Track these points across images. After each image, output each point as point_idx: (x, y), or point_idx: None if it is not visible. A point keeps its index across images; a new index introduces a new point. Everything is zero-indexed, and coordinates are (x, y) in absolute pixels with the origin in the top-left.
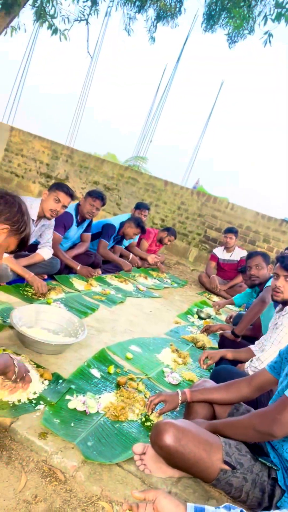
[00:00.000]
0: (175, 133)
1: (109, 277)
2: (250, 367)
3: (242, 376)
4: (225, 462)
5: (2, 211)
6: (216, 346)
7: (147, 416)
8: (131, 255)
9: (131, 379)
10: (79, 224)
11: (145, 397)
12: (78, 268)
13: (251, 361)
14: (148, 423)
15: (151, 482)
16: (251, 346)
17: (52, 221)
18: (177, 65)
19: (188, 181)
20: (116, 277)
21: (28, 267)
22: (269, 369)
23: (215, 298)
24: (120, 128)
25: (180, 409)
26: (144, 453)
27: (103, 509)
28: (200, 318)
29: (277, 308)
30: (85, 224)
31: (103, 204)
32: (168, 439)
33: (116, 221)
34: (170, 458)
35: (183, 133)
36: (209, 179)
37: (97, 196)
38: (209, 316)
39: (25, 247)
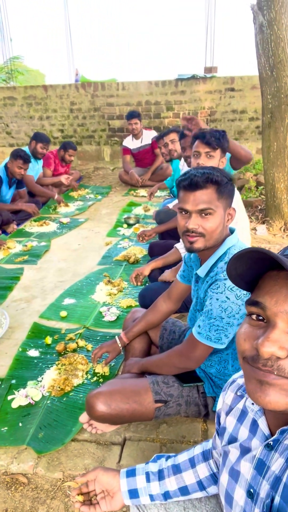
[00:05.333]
0: (39, 23)
1: (28, 225)
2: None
3: (164, 289)
4: (156, 401)
5: None
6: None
7: (94, 371)
8: (56, 194)
9: (70, 339)
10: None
11: (87, 350)
12: None
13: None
14: (95, 378)
15: (106, 439)
16: (177, 245)
17: None
18: None
19: (72, 74)
20: (35, 221)
21: None
22: (180, 278)
23: (143, 192)
24: None
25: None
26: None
27: (70, 488)
28: (129, 225)
29: None
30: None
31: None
32: (99, 408)
33: None
34: (109, 421)
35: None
36: (87, 63)
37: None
38: (137, 220)
39: None
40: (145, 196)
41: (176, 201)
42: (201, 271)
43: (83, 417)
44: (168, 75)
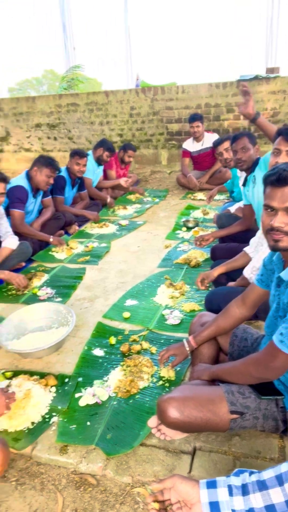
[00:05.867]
0: (98, 31)
1: (88, 227)
2: (252, 275)
3: (233, 293)
4: (232, 412)
5: None
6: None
7: (159, 374)
8: (109, 198)
9: (134, 341)
10: (35, 195)
11: (151, 353)
12: (51, 240)
13: (252, 270)
14: (161, 382)
15: (175, 446)
16: (246, 248)
17: (1, 210)
18: None
19: (130, 81)
20: (95, 222)
21: (1, 264)
22: (257, 283)
23: (201, 195)
24: (33, 41)
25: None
26: (160, 423)
27: (139, 494)
28: (188, 229)
29: None
30: (41, 192)
31: (57, 170)
32: (172, 415)
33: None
34: (181, 429)
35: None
36: (149, 68)
37: (53, 167)
38: (196, 224)
39: None
40: (203, 200)
41: (237, 204)
42: (286, 274)
43: (152, 422)
44: (229, 76)
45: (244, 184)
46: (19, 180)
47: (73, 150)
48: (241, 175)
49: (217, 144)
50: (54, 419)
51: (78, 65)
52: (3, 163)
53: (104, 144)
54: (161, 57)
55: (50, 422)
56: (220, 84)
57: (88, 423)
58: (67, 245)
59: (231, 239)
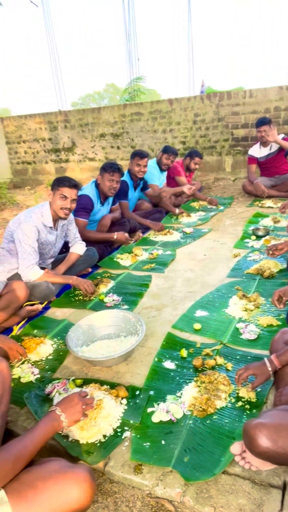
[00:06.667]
0: (159, 42)
1: (152, 234)
2: None
3: None
4: None
5: None
6: (285, 265)
7: (237, 394)
8: (177, 209)
9: (207, 355)
10: (103, 203)
11: (227, 370)
12: (115, 237)
13: None
14: (240, 403)
15: (262, 478)
16: None
17: (71, 216)
18: None
19: (195, 87)
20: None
21: (69, 269)
22: None
23: (269, 203)
24: (96, 55)
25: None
26: (244, 451)
27: None
28: (258, 237)
29: None
30: (110, 200)
31: (122, 175)
32: (263, 443)
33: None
34: (271, 459)
35: (170, 38)
36: (213, 74)
37: (113, 169)
38: (267, 232)
39: None
40: (272, 207)
41: None
42: None
43: (236, 448)
44: None
45: None
46: (87, 188)
47: (133, 152)
48: None
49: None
50: (127, 433)
51: (140, 76)
52: (68, 172)
53: (164, 149)
54: (227, 63)
55: (123, 437)
56: None
57: (163, 442)
58: (132, 252)
59: None
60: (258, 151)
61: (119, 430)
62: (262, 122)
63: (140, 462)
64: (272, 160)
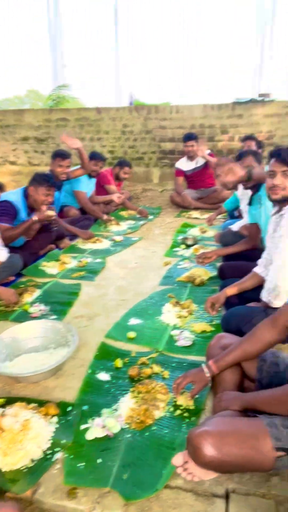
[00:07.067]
0: (87, 50)
1: (80, 242)
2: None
3: (254, 313)
4: (278, 449)
5: None
6: (216, 273)
7: (175, 402)
8: (105, 216)
9: (143, 363)
10: (29, 213)
11: (163, 378)
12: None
13: (269, 292)
14: (178, 411)
15: (205, 489)
16: (256, 269)
17: None
18: None
19: (122, 98)
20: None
21: None
22: None
23: (195, 214)
24: (18, 58)
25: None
26: (186, 462)
27: None
28: (187, 246)
29: (273, 211)
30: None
31: (53, 187)
32: (208, 452)
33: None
34: (216, 468)
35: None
36: (141, 87)
37: (49, 184)
38: (196, 241)
39: None
40: (198, 218)
41: (239, 222)
42: None
43: (178, 460)
44: (223, 98)
45: (249, 203)
46: (12, 195)
47: (54, 152)
48: (243, 194)
49: (241, 156)
50: (58, 455)
51: (65, 84)
52: None
53: (90, 156)
54: (154, 77)
55: (53, 459)
56: (215, 105)
57: (99, 460)
58: (59, 260)
59: (235, 257)
60: (185, 164)
61: (49, 452)
62: (189, 137)
63: (74, 485)
64: (198, 174)
